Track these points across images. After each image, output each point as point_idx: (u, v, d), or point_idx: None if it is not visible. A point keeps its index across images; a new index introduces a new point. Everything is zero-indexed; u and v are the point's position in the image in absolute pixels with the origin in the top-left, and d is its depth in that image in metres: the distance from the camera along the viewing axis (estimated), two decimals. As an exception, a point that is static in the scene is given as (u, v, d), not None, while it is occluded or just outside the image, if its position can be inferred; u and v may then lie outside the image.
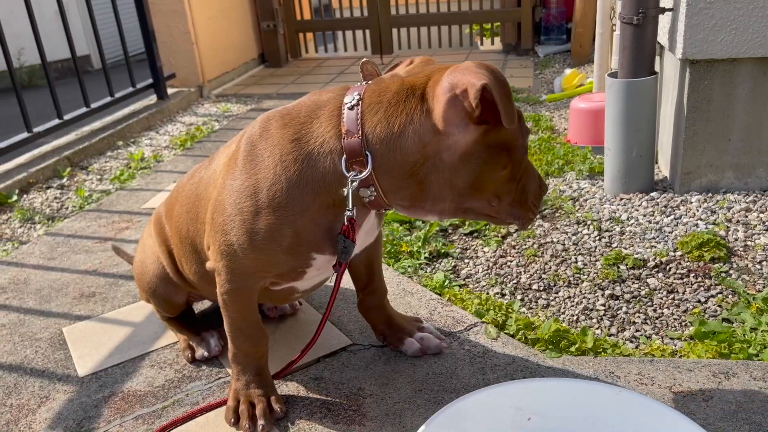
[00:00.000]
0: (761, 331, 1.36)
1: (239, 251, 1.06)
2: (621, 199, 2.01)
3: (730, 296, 1.51)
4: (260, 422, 1.14)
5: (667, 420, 0.98)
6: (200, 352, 1.37)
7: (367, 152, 0.95)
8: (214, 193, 1.11)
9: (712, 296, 1.53)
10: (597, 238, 1.82)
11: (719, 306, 1.49)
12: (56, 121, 2.89)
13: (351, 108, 0.97)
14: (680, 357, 1.31)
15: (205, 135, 3.20)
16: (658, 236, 1.78)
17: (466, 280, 1.69)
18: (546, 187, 1.08)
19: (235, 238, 1.05)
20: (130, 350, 1.43)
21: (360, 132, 0.95)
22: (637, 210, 1.93)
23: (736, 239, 1.71)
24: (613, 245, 1.77)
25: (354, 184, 0.97)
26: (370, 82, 1.01)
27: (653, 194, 1.99)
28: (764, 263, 1.60)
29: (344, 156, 0.97)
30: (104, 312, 1.60)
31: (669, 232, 1.79)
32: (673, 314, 1.49)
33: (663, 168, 2.15)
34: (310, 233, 1.03)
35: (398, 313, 1.38)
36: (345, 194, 0.98)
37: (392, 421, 1.15)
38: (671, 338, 1.41)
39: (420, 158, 0.94)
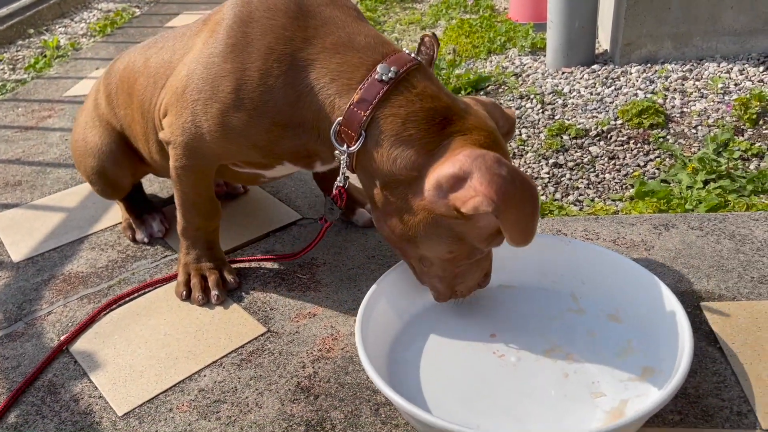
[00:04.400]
0: (696, 189, 1.42)
1: (207, 136, 0.98)
2: (563, 72, 2.00)
3: (667, 159, 1.56)
4: (214, 292, 1.12)
5: (612, 263, 1.02)
6: (140, 235, 1.32)
7: (362, 132, 0.86)
8: (188, 58, 1.01)
9: (651, 160, 1.57)
10: (540, 111, 1.82)
11: (657, 169, 1.54)
12: (-46, 6, 2.61)
13: (380, 81, 0.85)
14: (623, 215, 1.35)
15: (126, 21, 2.97)
16: (599, 107, 1.80)
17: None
18: (485, 284, 1.00)
19: (207, 124, 0.96)
20: (67, 234, 1.36)
21: (370, 112, 0.85)
22: (579, 82, 1.93)
23: (673, 106, 1.75)
24: (556, 117, 1.78)
25: (344, 157, 0.89)
26: (416, 65, 0.88)
27: (594, 67, 1.99)
28: (699, 128, 1.65)
29: (340, 119, 0.87)
30: (33, 199, 1.51)
31: (610, 103, 1.81)
32: (614, 178, 1.53)
33: (603, 42, 2.15)
34: (279, 146, 0.97)
35: (352, 184, 1.36)
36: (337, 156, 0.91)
37: (347, 286, 1.15)
38: (613, 200, 1.46)
39: (397, 178, 0.86)
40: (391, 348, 0.98)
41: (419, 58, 0.90)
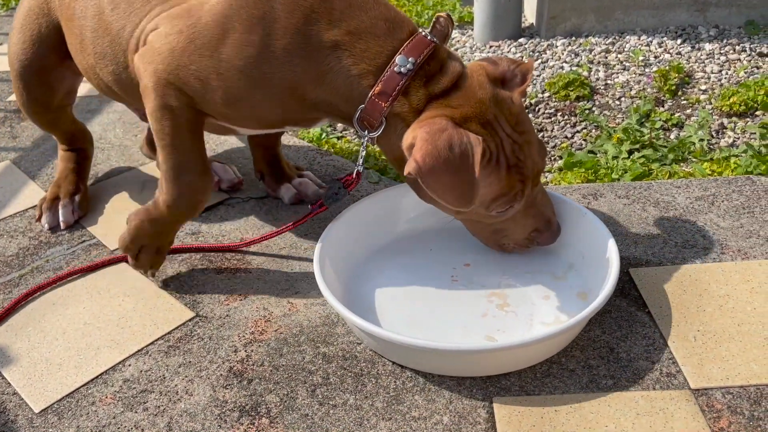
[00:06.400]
0: (621, 159, 1.45)
1: (217, 99, 0.95)
2: (491, 46, 2.01)
3: (593, 130, 1.59)
4: (151, 270, 1.08)
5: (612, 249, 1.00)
6: (44, 220, 1.23)
7: (384, 118, 0.93)
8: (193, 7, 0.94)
9: (578, 132, 1.59)
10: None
11: (584, 140, 1.56)
12: None
13: (398, 73, 0.90)
14: (553, 185, 1.37)
15: (31, -7, 2.78)
16: (527, 80, 1.81)
17: (344, 132, 1.64)
18: (545, 242, 1.01)
19: (221, 95, 0.94)
20: (-28, 222, 1.26)
21: (389, 102, 0.91)
22: (507, 56, 1.94)
23: (597, 79, 1.78)
24: (485, 90, 1.78)
25: (365, 140, 0.96)
26: (432, 49, 0.92)
27: (521, 40, 2.00)
28: (622, 99, 1.69)
29: (362, 107, 0.93)
30: (-68, 185, 1.39)
31: (537, 76, 1.82)
32: (543, 150, 1.55)
33: (529, 15, 2.16)
34: (288, 117, 1.00)
35: (285, 158, 1.31)
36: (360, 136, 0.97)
37: (278, 265, 1.12)
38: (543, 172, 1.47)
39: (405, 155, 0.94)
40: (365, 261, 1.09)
41: (434, 39, 0.93)
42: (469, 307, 1.00)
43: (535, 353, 0.89)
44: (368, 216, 1.11)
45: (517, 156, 0.92)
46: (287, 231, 1.11)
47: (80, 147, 1.33)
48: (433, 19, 0.97)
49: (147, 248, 1.05)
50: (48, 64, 1.19)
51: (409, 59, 0.91)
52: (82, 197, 1.28)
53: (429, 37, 0.93)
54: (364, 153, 1.01)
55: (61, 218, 1.23)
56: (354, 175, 1.03)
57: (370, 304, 1.01)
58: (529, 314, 0.97)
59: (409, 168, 0.87)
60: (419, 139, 0.87)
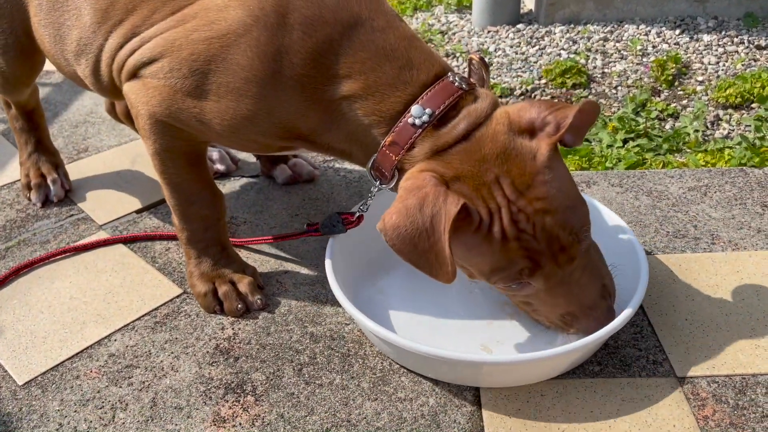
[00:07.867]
0: (616, 147, 1.45)
1: (211, 126, 0.87)
2: (489, 31, 1.99)
3: (589, 118, 1.58)
4: (256, 297, 0.98)
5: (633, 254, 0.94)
6: (34, 197, 1.21)
7: (395, 170, 0.83)
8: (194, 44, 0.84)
9: (573, 119, 1.59)
10: (466, 69, 1.80)
11: (579, 128, 1.56)
12: None
13: (412, 125, 0.81)
14: (545, 173, 1.36)
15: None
16: (524, 66, 1.80)
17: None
18: (583, 330, 0.84)
19: (219, 127, 0.86)
20: (-42, 193, 1.24)
21: (401, 155, 0.82)
22: (504, 42, 1.93)
23: (594, 67, 1.77)
24: (482, 76, 1.77)
25: (375, 189, 0.89)
26: (457, 98, 0.81)
27: (519, 26, 1.99)
28: (619, 88, 1.68)
29: (375, 156, 0.84)
30: None
31: (534, 62, 1.81)
32: (537, 137, 1.54)
33: (528, 1, 2.14)
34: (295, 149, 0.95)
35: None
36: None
37: (269, 245, 1.11)
38: (536, 158, 1.47)
39: None
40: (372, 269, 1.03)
41: (463, 86, 0.82)
42: (477, 313, 0.95)
43: (520, 374, 0.84)
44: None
45: (520, 227, 0.78)
46: (274, 241, 1.09)
47: (34, 107, 1.25)
48: (468, 62, 0.89)
49: (219, 279, 0.99)
50: (28, 49, 1.09)
51: (426, 110, 0.81)
52: (64, 169, 1.26)
53: (457, 84, 0.82)
54: (370, 202, 0.94)
55: (53, 193, 1.22)
56: (355, 217, 0.96)
57: (379, 298, 0.98)
58: (536, 328, 0.92)
59: (378, 224, 0.79)
60: (398, 195, 0.80)
